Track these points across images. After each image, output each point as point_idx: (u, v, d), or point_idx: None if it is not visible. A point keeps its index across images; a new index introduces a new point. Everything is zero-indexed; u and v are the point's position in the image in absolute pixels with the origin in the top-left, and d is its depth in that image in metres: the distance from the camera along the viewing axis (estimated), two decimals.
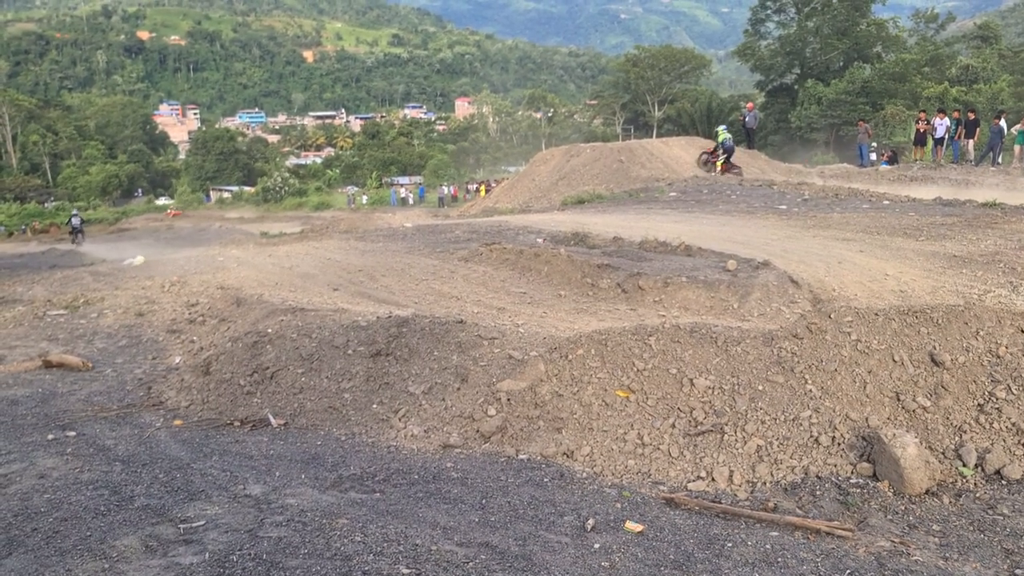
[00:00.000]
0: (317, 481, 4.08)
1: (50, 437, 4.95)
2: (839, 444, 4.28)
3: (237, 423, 5.40)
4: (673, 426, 4.49)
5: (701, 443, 4.34)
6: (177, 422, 5.40)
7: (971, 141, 22.51)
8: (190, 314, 9.02)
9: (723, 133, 24.26)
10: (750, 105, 32.19)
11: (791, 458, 4.18)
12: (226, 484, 3.99)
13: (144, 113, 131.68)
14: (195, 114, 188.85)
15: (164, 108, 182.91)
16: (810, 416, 4.38)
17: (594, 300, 10.01)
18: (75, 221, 37.71)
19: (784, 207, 16.98)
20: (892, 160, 26.51)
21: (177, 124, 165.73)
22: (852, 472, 4.16)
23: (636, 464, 4.32)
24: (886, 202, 16.45)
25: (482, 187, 52.02)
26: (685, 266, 10.55)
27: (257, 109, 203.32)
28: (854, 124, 46.23)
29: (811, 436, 4.31)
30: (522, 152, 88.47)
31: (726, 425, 4.39)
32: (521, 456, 4.55)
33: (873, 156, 27.24)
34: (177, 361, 7.10)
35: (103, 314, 9.46)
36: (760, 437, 4.30)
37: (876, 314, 4.97)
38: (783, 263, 10.34)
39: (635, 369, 4.87)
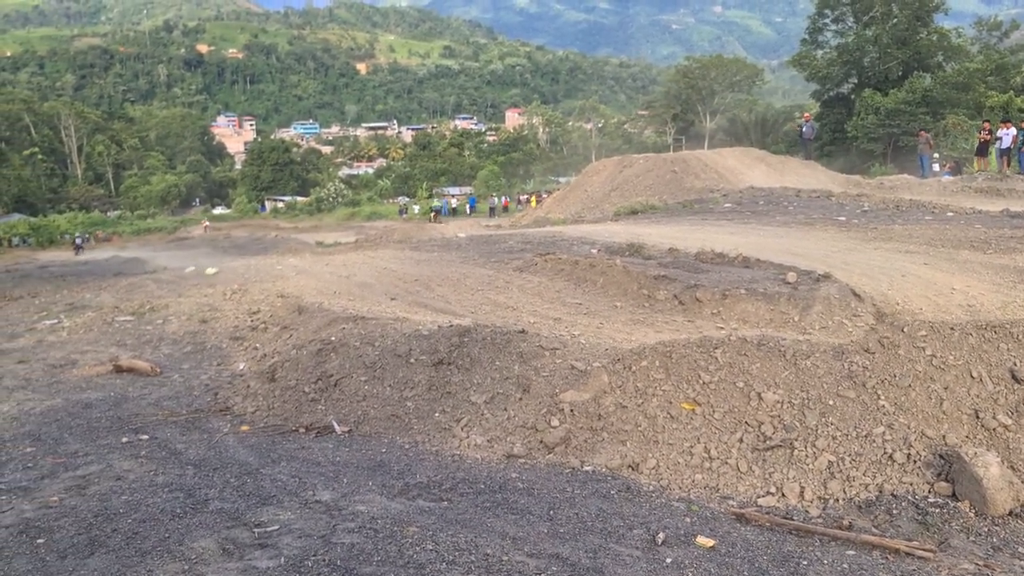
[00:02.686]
0: (385, 488, 4.11)
1: (124, 440, 5.09)
2: (915, 462, 4.16)
3: (302, 429, 5.47)
4: (741, 440, 4.42)
5: (770, 458, 4.26)
6: (244, 428, 5.50)
7: None
8: (252, 321, 9.19)
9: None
10: (807, 116, 31.65)
11: (864, 475, 4.08)
12: (296, 490, 4.04)
13: (202, 124, 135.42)
14: (251, 125, 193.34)
15: (221, 120, 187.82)
16: (883, 432, 4.27)
17: (651, 311, 9.92)
18: (77, 240, 50.27)
19: (843, 218, 16.63)
20: (955, 171, 25.79)
21: (234, 135, 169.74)
22: (929, 491, 4.04)
23: (704, 478, 4.26)
24: (950, 214, 15.99)
25: (533, 198, 52.13)
26: (743, 278, 10.39)
27: (311, 120, 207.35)
28: (913, 135, 45.19)
29: (885, 453, 4.19)
30: (572, 163, 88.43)
31: (796, 440, 4.30)
32: (586, 468, 4.53)
33: (935, 167, 26.54)
34: (241, 367, 7.23)
35: (168, 320, 9.69)
36: (831, 453, 4.20)
37: (952, 329, 4.83)
38: (844, 276, 10.11)
39: (701, 382, 4.81)
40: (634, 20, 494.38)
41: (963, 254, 11.77)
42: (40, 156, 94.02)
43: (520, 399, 5.37)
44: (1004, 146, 22.34)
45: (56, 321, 10.49)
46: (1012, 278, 10.25)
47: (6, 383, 7.03)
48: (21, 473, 4.49)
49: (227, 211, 78.90)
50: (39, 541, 3.41)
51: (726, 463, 4.30)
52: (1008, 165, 22.48)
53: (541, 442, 4.85)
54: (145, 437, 5.17)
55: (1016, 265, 10.78)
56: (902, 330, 4.86)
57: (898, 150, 47.04)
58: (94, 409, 5.88)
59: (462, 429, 5.25)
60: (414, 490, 4.08)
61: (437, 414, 5.44)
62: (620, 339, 8.17)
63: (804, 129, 27.91)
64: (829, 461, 4.14)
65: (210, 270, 11.90)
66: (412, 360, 5.94)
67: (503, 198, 54.33)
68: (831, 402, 4.41)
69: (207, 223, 64.19)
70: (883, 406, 4.39)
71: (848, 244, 13.65)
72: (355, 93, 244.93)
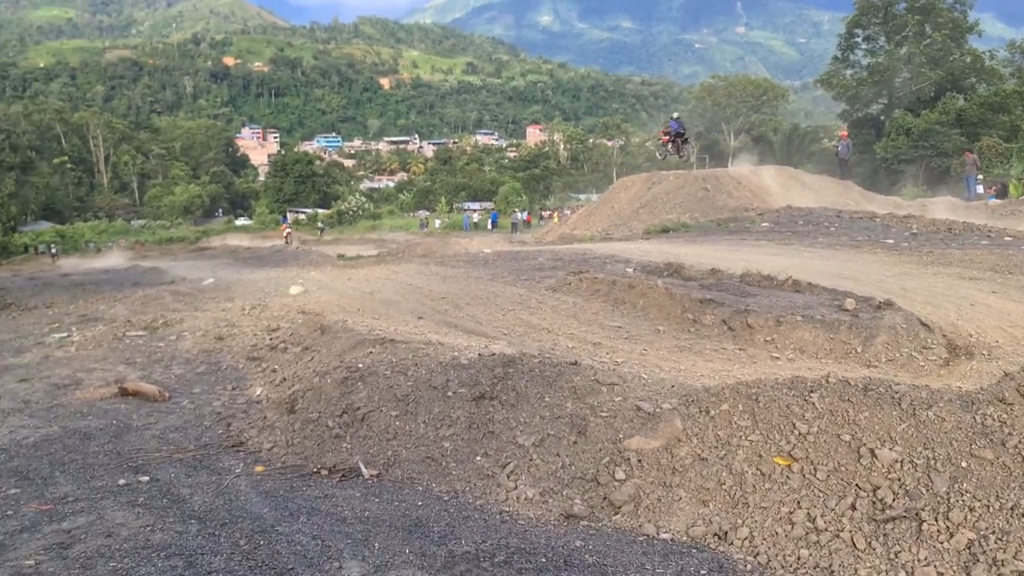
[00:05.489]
0: (425, 559, 3.39)
1: (121, 482, 4.40)
2: None
3: (325, 471, 4.77)
4: (853, 508, 3.66)
5: (893, 532, 3.50)
6: (259, 468, 4.80)
7: None
8: (271, 340, 8.54)
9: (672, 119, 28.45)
10: (843, 134, 30.77)
11: (1016, 559, 3.31)
12: (318, 559, 3.33)
13: (227, 136, 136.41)
14: (275, 138, 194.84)
15: (246, 132, 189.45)
16: None
17: (696, 337, 9.19)
18: (53, 249, 55.76)
19: (891, 241, 15.83)
20: (1000, 194, 24.84)
21: (258, 147, 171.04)
22: None
23: (811, 555, 3.51)
24: (1008, 238, 15.13)
25: (555, 214, 51.54)
26: (795, 303, 9.64)
27: (334, 134, 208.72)
28: (947, 156, 44.20)
29: None
30: (593, 180, 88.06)
31: (923, 511, 3.54)
32: (663, 535, 3.78)
33: (980, 188, 25.58)
34: (258, 393, 6.56)
35: (182, 337, 9.07)
36: (970, 529, 3.44)
37: None
38: (906, 303, 9.33)
39: (796, 432, 4.06)
40: (657, 39, 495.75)
41: None
42: (69, 165, 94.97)
43: (575, 443, 4.64)
44: None
45: (66, 334, 9.91)
46: None
47: (3, 405, 6.41)
48: None
49: (249, 222, 78.85)
50: None
51: (838, 536, 3.54)
52: None
53: (605, 499, 4.11)
54: (145, 479, 4.48)
55: None
56: None
57: (930, 171, 46.04)
58: (92, 441, 5.21)
59: (509, 477, 4.52)
60: (461, 563, 3.36)
61: (479, 458, 4.72)
62: (667, 367, 7.45)
63: (840, 148, 27.07)
64: (969, 539, 3.38)
65: (294, 289, 11.22)
66: (450, 393, 5.23)
67: (525, 213, 53.69)
68: (964, 464, 3.66)
69: (288, 228, 55.42)
70: None
71: (902, 268, 12.86)
72: (378, 108, 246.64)
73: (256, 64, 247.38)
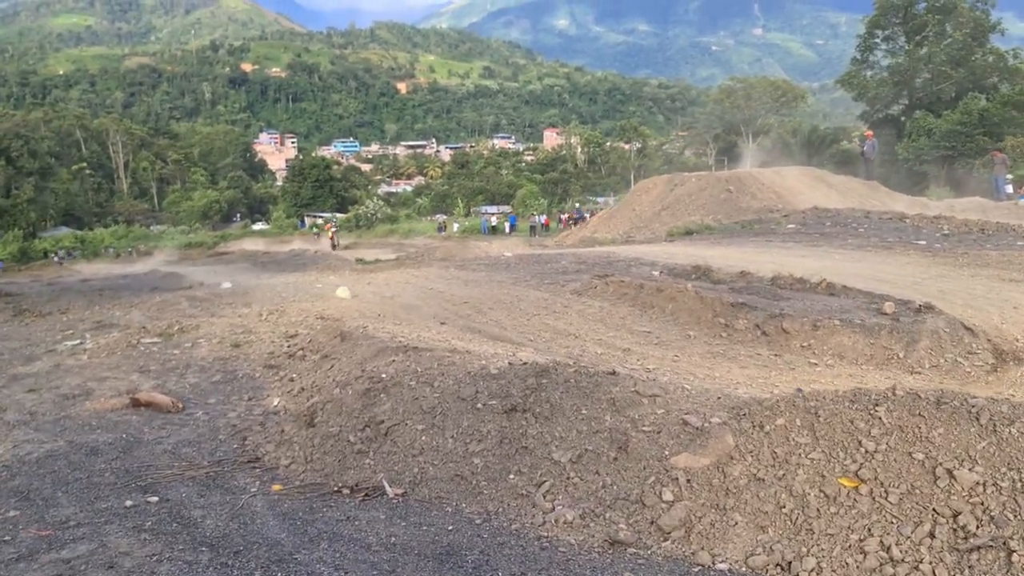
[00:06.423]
0: None
1: (128, 503, 4.10)
2: None
3: (346, 490, 4.45)
4: (932, 535, 3.29)
5: (979, 564, 3.14)
6: (276, 487, 4.49)
7: None
8: (289, 347, 8.25)
9: None
10: (869, 134, 30.16)
11: None
12: None
13: (245, 141, 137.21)
14: (293, 143, 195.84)
15: (264, 137, 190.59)
16: None
17: (729, 343, 8.82)
18: (59, 255, 57.36)
19: (923, 242, 15.37)
20: None
21: (275, 152, 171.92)
22: None
23: None
24: None
25: (573, 217, 51.15)
26: (831, 307, 9.26)
27: (352, 139, 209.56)
28: (970, 157, 43.44)
29: None
30: (610, 183, 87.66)
31: (1012, 539, 3.17)
32: (720, 565, 3.43)
33: (1009, 188, 24.94)
34: (275, 404, 6.25)
35: (197, 344, 8.80)
36: None
37: None
38: (946, 306, 8.92)
39: (863, 451, 3.70)
40: (673, 42, 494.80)
41: None
42: (88, 171, 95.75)
43: (615, 460, 4.29)
44: None
45: (79, 341, 9.67)
46: None
47: (8, 417, 6.14)
48: None
49: (267, 227, 78.99)
50: None
51: (917, 568, 3.18)
52: None
53: (653, 523, 3.76)
54: (154, 499, 4.17)
55: None
56: None
57: (952, 172, 45.25)
58: (99, 457, 4.92)
59: (545, 497, 4.18)
60: None
61: (512, 476, 4.39)
62: (701, 374, 7.12)
63: (866, 148, 26.51)
64: None
65: (342, 291, 10.92)
66: (479, 405, 4.90)
67: (543, 216, 53.29)
68: None
69: (334, 227, 52.70)
70: None
71: (938, 270, 12.42)
72: (395, 112, 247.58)
73: (274, 70, 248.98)
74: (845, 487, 3.60)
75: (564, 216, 53.40)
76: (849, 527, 3.44)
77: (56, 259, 55.34)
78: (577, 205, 64.59)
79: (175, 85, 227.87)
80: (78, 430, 5.59)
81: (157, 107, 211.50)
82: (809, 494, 3.62)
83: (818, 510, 3.55)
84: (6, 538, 3.68)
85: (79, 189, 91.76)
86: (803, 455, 3.80)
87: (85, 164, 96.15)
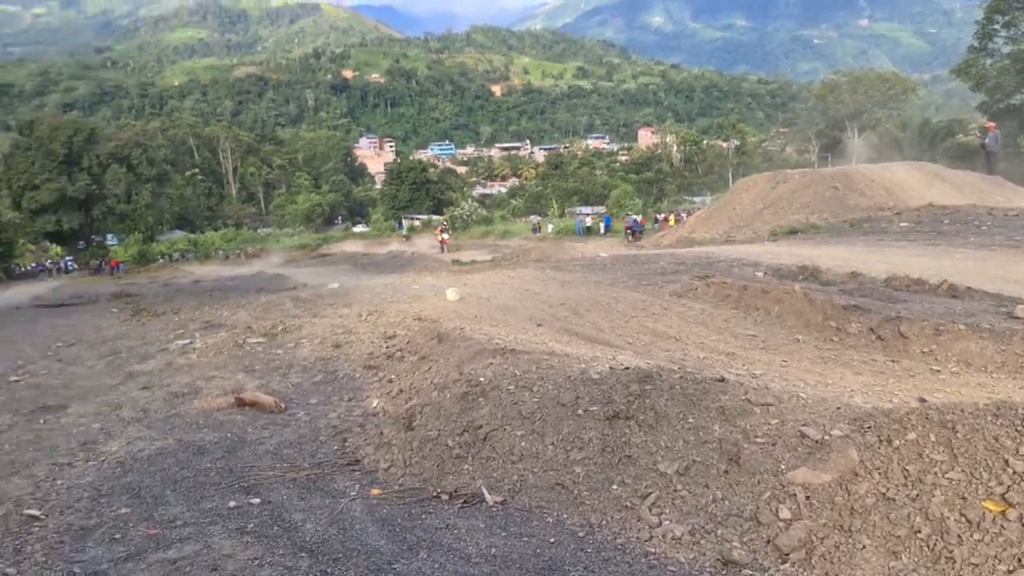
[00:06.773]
0: None
1: (232, 504, 4.13)
2: None
3: (445, 496, 4.36)
4: None
5: None
6: (375, 491, 4.44)
7: None
8: (388, 348, 8.28)
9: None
10: (991, 125, 28.20)
11: None
12: None
13: (346, 146, 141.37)
14: (391, 146, 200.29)
15: (363, 141, 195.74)
16: None
17: (841, 347, 8.33)
18: (174, 256, 60.85)
19: None
20: None
21: (374, 156, 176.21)
22: None
23: None
24: None
25: (672, 216, 50.21)
26: (953, 310, 8.64)
27: (447, 141, 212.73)
28: None
29: None
30: (707, 182, 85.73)
31: None
32: None
33: None
34: (375, 405, 6.25)
35: (300, 344, 8.96)
36: None
37: None
38: None
39: (1010, 471, 3.34)
40: (773, 36, 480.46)
41: None
42: (200, 177, 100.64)
43: (726, 473, 4.04)
44: None
45: (189, 341, 10.02)
46: None
47: (124, 414, 6.37)
48: (104, 548, 3.59)
49: (367, 229, 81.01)
50: None
51: None
52: None
53: (769, 543, 3.50)
54: (257, 501, 4.19)
55: None
56: None
57: None
58: (206, 456, 5.00)
59: (651, 510, 3.97)
60: None
61: (615, 486, 4.19)
62: (812, 380, 6.71)
63: (987, 140, 24.82)
64: None
65: (451, 294, 11.00)
66: (580, 412, 4.72)
67: (639, 217, 52.51)
68: None
69: (445, 230, 50.11)
70: None
71: None
72: (490, 114, 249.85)
73: (373, 75, 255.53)
74: (990, 511, 3.25)
75: (661, 216, 52.52)
76: (996, 556, 3.10)
77: (171, 260, 58.78)
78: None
79: (280, 92, 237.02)
80: (186, 428, 5.73)
81: (263, 114, 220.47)
82: (948, 518, 3.29)
83: (959, 536, 3.22)
84: (117, 535, 3.74)
85: (192, 194, 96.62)
86: (940, 474, 3.46)
87: (197, 170, 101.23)
